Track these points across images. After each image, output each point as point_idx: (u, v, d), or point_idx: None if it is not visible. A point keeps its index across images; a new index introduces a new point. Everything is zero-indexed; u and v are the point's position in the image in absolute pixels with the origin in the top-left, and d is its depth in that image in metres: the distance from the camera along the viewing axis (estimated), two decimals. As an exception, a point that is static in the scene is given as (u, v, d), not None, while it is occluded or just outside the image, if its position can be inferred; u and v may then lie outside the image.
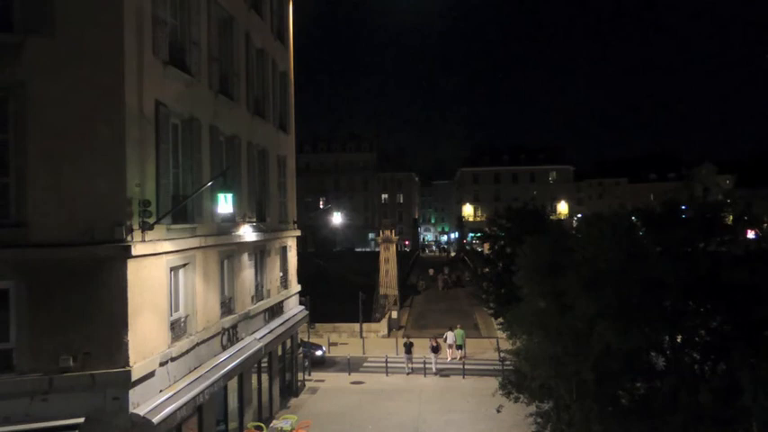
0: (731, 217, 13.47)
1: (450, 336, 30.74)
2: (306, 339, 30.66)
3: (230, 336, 16.81)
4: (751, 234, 14.11)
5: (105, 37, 11.53)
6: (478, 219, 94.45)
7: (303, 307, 25.83)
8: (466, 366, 27.60)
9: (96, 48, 11.48)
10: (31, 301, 10.98)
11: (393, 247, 44.67)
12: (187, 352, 13.94)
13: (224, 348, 16.27)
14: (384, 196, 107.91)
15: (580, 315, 12.53)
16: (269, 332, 20.05)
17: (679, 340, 12.72)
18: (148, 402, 11.90)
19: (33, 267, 11.03)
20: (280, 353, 22.93)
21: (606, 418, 12.34)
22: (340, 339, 34.37)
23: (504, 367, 21.14)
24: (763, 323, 11.49)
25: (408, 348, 28.33)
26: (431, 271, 65.34)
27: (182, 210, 13.99)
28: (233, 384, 17.37)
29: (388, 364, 27.90)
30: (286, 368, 24.04)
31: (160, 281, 12.86)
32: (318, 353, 30.68)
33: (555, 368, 13.21)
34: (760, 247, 13.04)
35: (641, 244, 13.69)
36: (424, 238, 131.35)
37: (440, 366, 28.16)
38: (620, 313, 11.74)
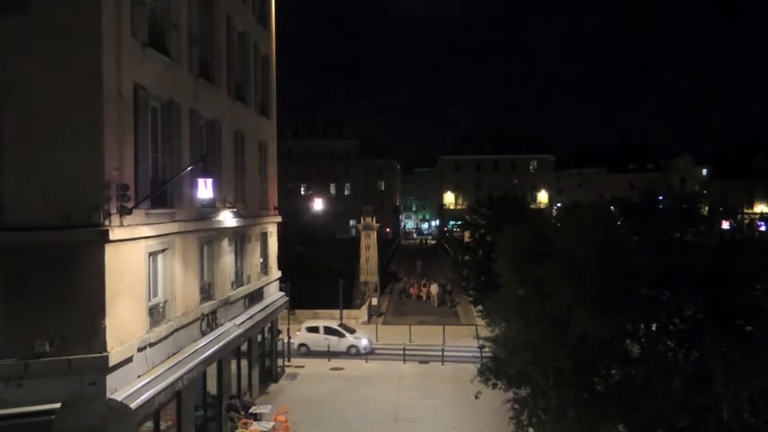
0: (707, 208, 13.66)
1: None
2: (342, 323, 31.06)
3: (209, 322, 16.73)
4: (726, 224, 14.36)
5: (82, 17, 11.31)
6: (459, 207, 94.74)
7: (283, 293, 25.79)
8: (445, 353, 27.83)
9: (73, 28, 11.26)
10: (5, 286, 10.82)
11: (374, 235, 44.74)
12: (166, 338, 13.87)
13: (203, 334, 16.20)
14: (365, 183, 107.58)
15: (558, 303, 12.66)
16: (249, 318, 20.01)
17: (654, 328, 12.92)
18: (126, 388, 11.84)
19: (8, 251, 10.86)
20: (260, 339, 22.92)
21: (581, 404, 12.52)
22: (320, 326, 34.35)
23: (483, 354, 21.34)
24: (735, 312, 11.71)
25: None
26: (419, 264, 59.06)
27: (161, 194, 13.85)
28: (212, 370, 17.34)
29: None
30: (266, 354, 24.05)
31: (138, 266, 12.74)
32: (363, 342, 29.15)
33: (532, 355, 13.35)
34: (734, 237, 13.26)
35: (619, 233, 13.86)
36: (404, 226, 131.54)
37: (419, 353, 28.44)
38: (598, 302, 11.88)
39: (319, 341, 28.89)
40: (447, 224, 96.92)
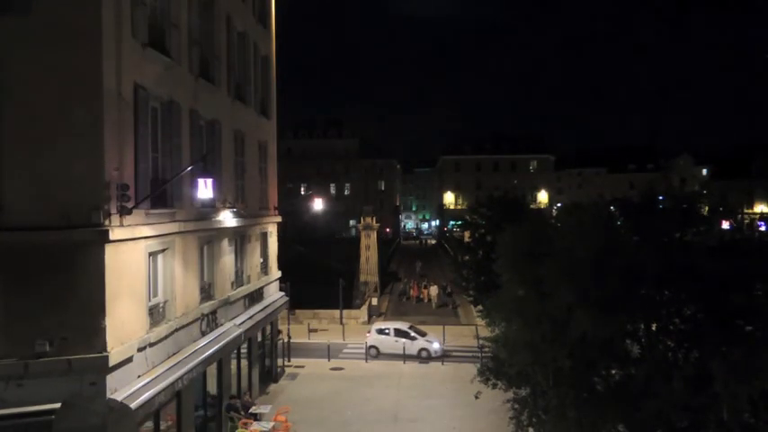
0: (707, 208, 13.67)
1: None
2: (414, 325, 30.41)
3: (209, 322, 16.73)
4: (726, 224, 14.37)
5: (83, 17, 11.30)
6: (459, 207, 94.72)
7: (283, 293, 25.79)
8: (445, 353, 27.84)
9: (73, 28, 11.25)
10: (6, 286, 10.82)
11: (374, 235, 44.69)
12: (166, 337, 13.87)
13: (203, 334, 16.20)
14: (365, 183, 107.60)
15: (558, 303, 12.66)
16: (249, 318, 20.01)
17: (654, 328, 12.93)
18: (126, 388, 11.84)
19: (8, 251, 10.85)
20: (260, 339, 22.93)
21: (582, 404, 12.52)
22: (320, 326, 34.41)
23: (483, 354, 21.34)
24: (735, 312, 11.71)
25: None
26: (418, 265, 57.54)
27: (161, 194, 13.84)
28: (212, 370, 17.34)
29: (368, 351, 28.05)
30: (266, 354, 24.05)
31: (138, 266, 12.74)
32: (435, 345, 28.56)
33: (532, 355, 13.35)
34: (734, 237, 13.26)
35: (619, 233, 13.87)
36: (404, 226, 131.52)
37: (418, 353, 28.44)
38: (598, 302, 11.89)
39: (390, 344, 28.39)
40: (447, 224, 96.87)
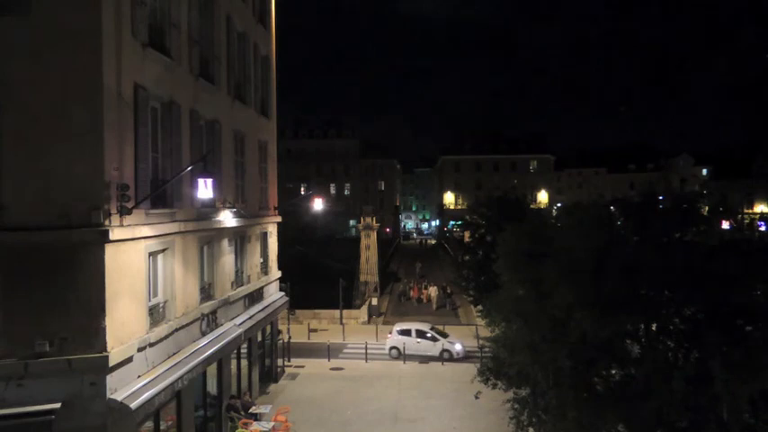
0: (707, 208, 13.68)
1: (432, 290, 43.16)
2: (438, 327, 30.39)
3: (209, 321, 16.74)
4: (726, 224, 14.37)
5: (82, 17, 11.30)
6: (459, 207, 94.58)
7: (283, 293, 25.79)
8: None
9: (73, 29, 11.25)
10: (5, 286, 10.82)
11: (374, 235, 44.67)
12: (166, 338, 13.87)
13: (203, 334, 16.20)
14: (365, 183, 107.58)
15: (558, 303, 12.67)
16: (249, 318, 20.02)
17: (654, 328, 12.93)
18: (126, 388, 11.84)
19: (8, 251, 10.86)
20: (260, 339, 22.93)
21: (581, 404, 12.53)
22: (320, 326, 34.42)
23: (483, 354, 21.36)
24: (736, 312, 11.72)
25: None
26: (418, 266, 57.12)
27: (161, 194, 13.85)
28: (212, 370, 17.34)
29: (368, 351, 28.06)
30: (266, 354, 24.06)
31: (138, 266, 12.74)
32: (457, 347, 28.32)
33: (532, 355, 13.36)
34: (734, 237, 13.27)
35: (619, 233, 13.87)
36: (405, 226, 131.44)
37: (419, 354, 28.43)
38: (597, 302, 11.89)
39: (411, 345, 28.29)
40: (447, 224, 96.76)
